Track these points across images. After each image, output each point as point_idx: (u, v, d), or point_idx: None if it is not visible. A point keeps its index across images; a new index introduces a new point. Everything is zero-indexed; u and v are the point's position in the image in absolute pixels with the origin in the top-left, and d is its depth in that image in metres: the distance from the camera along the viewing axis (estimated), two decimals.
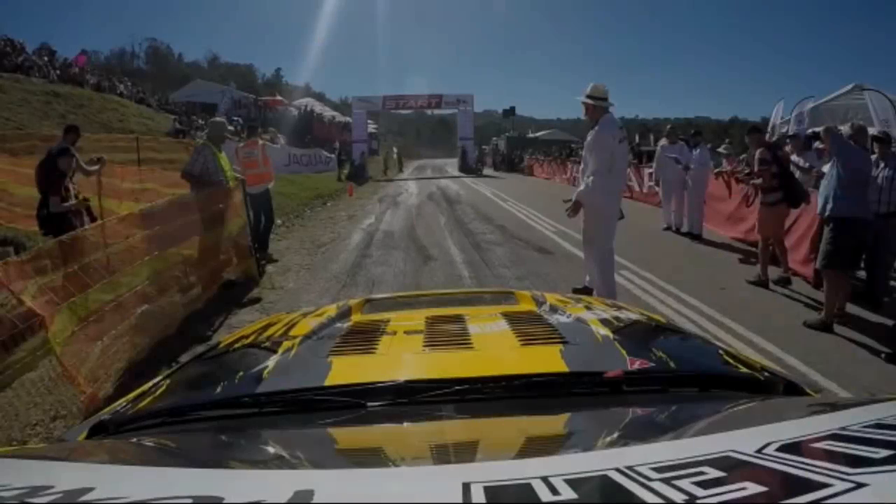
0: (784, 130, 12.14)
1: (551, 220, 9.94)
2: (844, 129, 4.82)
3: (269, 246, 7.07)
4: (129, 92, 26.08)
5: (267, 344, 1.23)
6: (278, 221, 10.41)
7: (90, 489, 0.51)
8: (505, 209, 12.14)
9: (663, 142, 9.03)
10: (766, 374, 1.06)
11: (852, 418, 0.64)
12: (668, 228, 8.76)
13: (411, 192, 17.00)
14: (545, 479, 0.48)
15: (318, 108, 37.00)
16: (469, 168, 27.65)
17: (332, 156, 23.68)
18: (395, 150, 34.41)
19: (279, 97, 37.95)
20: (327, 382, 0.94)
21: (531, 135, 35.80)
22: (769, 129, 13.84)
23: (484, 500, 0.45)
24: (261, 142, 7.31)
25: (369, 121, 45.51)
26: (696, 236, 8.08)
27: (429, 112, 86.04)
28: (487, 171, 28.82)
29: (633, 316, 1.42)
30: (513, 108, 34.16)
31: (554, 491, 0.46)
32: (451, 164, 36.55)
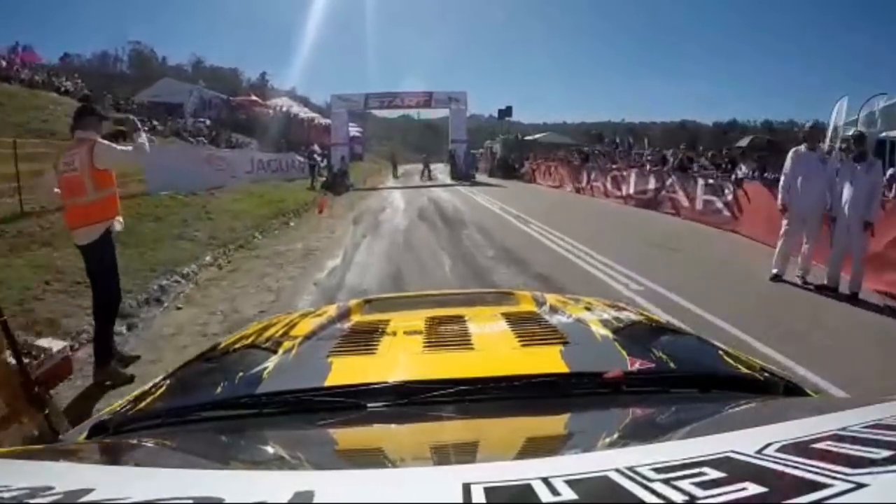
0: (851, 133, 9.39)
1: (622, 264, 6.63)
2: None
3: (113, 348, 3.53)
4: (78, 90, 22.88)
5: (267, 344, 1.22)
6: (207, 258, 7.30)
7: (90, 490, 0.51)
8: (532, 237, 8.84)
9: (799, 147, 5.93)
10: (766, 374, 1.06)
11: (852, 419, 0.64)
12: (778, 277, 5.76)
13: (397, 208, 13.77)
14: (545, 480, 0.48)
15: (297, 108, 33.74)
16: (462, 174, 24.63)
17: (309, 160, 20.50)
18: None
19: (254, 97, 34.70)
20: (327, 383, 0.93)
21: (529, 137, 32.85)
22: (830, 132, 11.34)
23: (484, 501, 0.45)
24: (95, 141, 3.43)
25: (352, 123, 42.41)
26: (851, 296, 5.08)
27: (415, 116, 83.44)
28: (481, 177, 25.74)
29: (634, 316, 1.41)
30: (509, 109, 31.04)
31: (554, 492, 0.46)
32: (441, 170, 33.72)
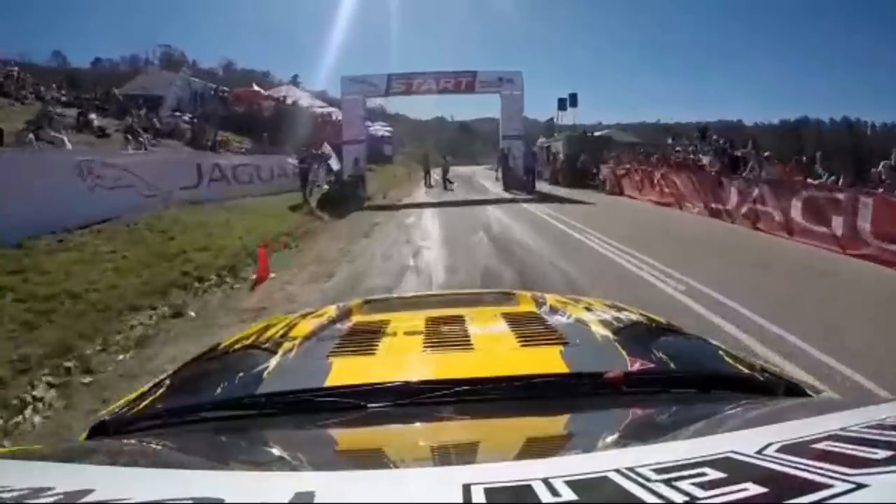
0: None
1: None
2: None
3: None
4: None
5: (267, 345, 1.21)
6: None
7: (90, 490, 0.50)
8: None
9: None
10: (766, 375, 1.06)
11: (852, 419, 0.64)
12: None
13: (429, 272, 6.58)
14: (546, 481, 0.48)
15: (307, 100, 27.43)
16: (518, 182, 17.87)
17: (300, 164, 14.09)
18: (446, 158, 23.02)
19: (256, 87, 28.73)
20: (327, 383, 0.92)
21: (599, 133, 25.51)
22: None
23: (484, 501, 0.45)
24: None
25: (382, 122, 35.95)
26: None
27: (449, 118, 77.12)
28: (540, 185, 18.78)
29: (634, 317, 1.39)
30: (573, 97, 23.84)
31: (554, 492, 0.46)
32: (481, 174, 27.95)
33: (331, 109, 28.18)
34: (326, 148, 18.43)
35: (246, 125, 23.22)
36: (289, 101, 25.38)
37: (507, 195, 16.45)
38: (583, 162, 20.25)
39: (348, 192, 15.23)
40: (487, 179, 23.75)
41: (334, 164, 17.63)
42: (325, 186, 14.92)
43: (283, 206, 12.10)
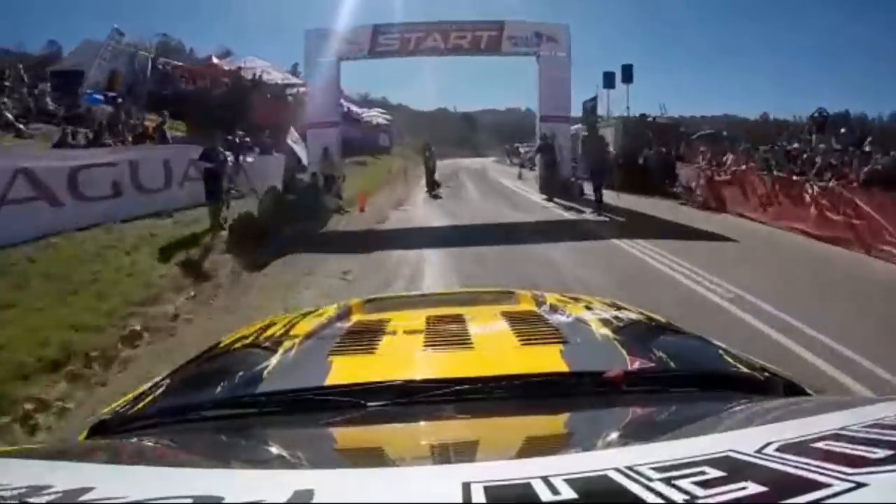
0: None
1: None
2: None
3: None
4: None
5: (267, 344, 1.20)
6: None
7: (90, 489, 0.50)
8: None
9: None
10: (766, 374, 1.04)
11: (852, 418, 0.63)
12: None
13: None
14: (545, 479, 0.48)
15: (275, 74, 21.21)
16: (558, 184, 12.09)
17: (203, 160, 8.03)
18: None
19: (215, 60, 22.77)
20: (327, 382, 0.92)
21: (662, 120, 19.34)
22: None
23: (484, 500, 0.45)
24: None
25: (379, 109, 29.70)
26: None
27: (451, 109, 71.23)
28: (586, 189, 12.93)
29: (634, 316, 1.38)
30: (628, 69, 17.67)
31: (554, 491, 0.46)
32: (493, 168, 24.37)
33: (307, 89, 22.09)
34: (293, 135, 12.74)
35: (196, 107, 17.25)
36: (247, 74, 19.28)
37: (561, 211, 10.59)
38: (648, 158, 14.34)
39: (305, 204, 9.47)
40: (504, 177, 18.87)
41: (303, 156, 12.23)
42: (236, 197, 9.19)
43: (157, 244, 6.24)
